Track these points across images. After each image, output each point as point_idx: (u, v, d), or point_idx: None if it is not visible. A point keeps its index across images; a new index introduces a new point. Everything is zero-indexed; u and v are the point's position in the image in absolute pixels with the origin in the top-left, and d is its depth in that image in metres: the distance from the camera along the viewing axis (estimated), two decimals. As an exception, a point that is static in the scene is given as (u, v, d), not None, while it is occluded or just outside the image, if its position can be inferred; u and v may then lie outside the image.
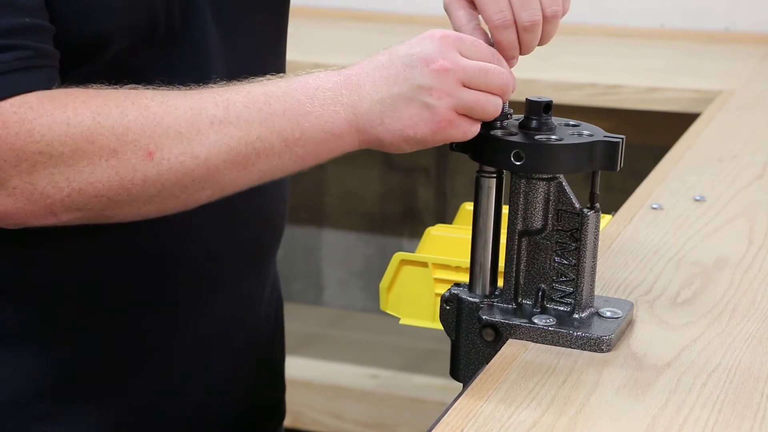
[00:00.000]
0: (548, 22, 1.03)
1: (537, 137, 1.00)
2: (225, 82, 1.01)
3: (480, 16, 1.05)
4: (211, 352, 1.17)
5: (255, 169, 0.98)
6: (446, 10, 1.07)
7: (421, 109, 0.97)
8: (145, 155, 0.94)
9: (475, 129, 0.99)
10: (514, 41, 1.03)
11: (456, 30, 1.05)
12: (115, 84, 0.98)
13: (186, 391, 1.16)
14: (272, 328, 1.28)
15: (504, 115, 1.03)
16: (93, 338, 1.09)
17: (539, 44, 1.04)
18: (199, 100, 0.97)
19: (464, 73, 0.97)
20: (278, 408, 1.33)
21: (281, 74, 1.03)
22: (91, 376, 1.10)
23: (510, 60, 1.03)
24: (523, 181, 1.02)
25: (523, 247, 1.03)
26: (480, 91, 0.98)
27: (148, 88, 0.97)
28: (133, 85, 0.97)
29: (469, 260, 1.05)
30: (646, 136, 2.25)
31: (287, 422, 2.36)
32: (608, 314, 1.04)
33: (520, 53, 1.04)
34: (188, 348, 1.15)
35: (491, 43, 1.04)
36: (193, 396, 1.16)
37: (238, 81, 1.01)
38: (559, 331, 1.01)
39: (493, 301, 1.04)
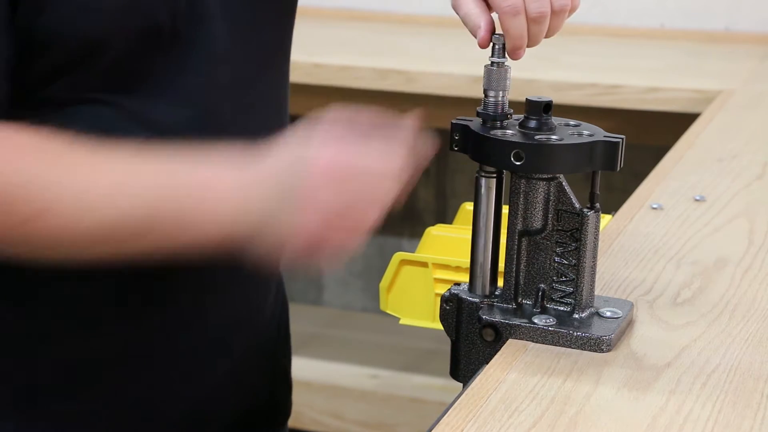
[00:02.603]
0: (556, 15, 1.03)
1: (537, 137, 1.00)
2: (231, 85, 1.01)
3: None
4: (212, 354, 1.17)
5: (144, 242, 0.96)
6: None
7: (293, 223, 0.95)
8: (38, 211, 0.93)
9: (349, 246, 0.96)
10: (522, 29, 1.02)
11: (462, 13, 1.05)
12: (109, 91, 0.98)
13: (185, 392, 1.16)
14: (275, 331, 1.28)
15: (504, 115, 1.03)
16: (91, 340, 1.09)
17: (545, 37, 1.04)
18: (104, 164, 0.95)
19: (349, 175, 0.94)
20: (281, 409, 1.33)
21: (195, 152, 0.99)
22: (89, 378, 1.10)
23: (518, 50, 1.03)
24: (523, 181, 1.02)
25: (523, 247, 1.03)
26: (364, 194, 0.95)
27: (65, 142, 0.96)
28: (55, 135, 0.95)
29: (469, 260, 1.05)
30: (646, 136, 2.25)
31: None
32: (608, 314, 1.04)
33: (528, 45, 1.04)
34: (188, 350, 1.14)
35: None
36: (193, 398, 1.16)
37: (243, 84, 1.00)
38: (559, 331, 1.01)
39: (493, 301, 1.04)
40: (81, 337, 1.09)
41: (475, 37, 1.06)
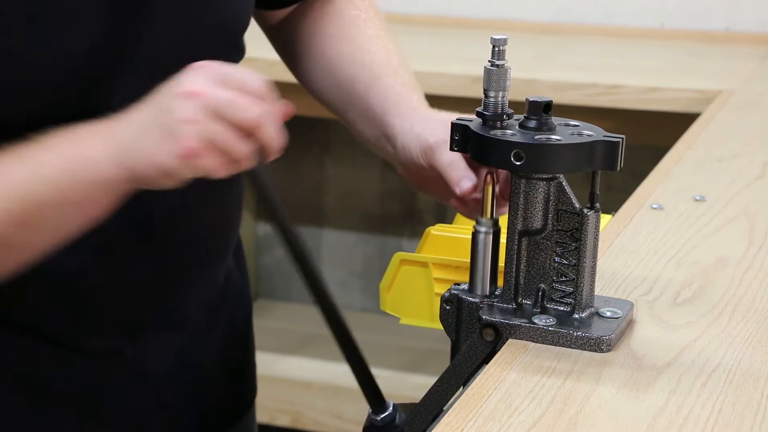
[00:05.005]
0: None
1: (537, 137, 1.00)
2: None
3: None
4: (157, 355, 1.16)
5: (33, 232, 0.95)
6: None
7: (165, 134, 0.91)
8: None
9: (224, 170, 0.93)
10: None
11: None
12: None
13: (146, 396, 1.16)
14: (230, 326, 1.28)
15: (504, 115, 1.03)
16: (36, 362, 1.09)
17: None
18: None
19: (212, 100, 0.91)
20: (239, 402, 1.33)
21: (61, 135, 0.96)
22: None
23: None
24: (523, 181, 1.02)
25: (523, 247, 1.03)
26: (230, 127, 0.91)
27: None
28: None
29: (469, 260, 1.05)
30: (646, 136, 2.25)
31: (287, 422, 2.37)
32: (608, 314, 1.04)
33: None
34: (132, 355, 1.14)
35: None
36: (144, 403, 1.17)
37: None
38: (559, 331, 1.01)
39: (493, 301, 1.04)
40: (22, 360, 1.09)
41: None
